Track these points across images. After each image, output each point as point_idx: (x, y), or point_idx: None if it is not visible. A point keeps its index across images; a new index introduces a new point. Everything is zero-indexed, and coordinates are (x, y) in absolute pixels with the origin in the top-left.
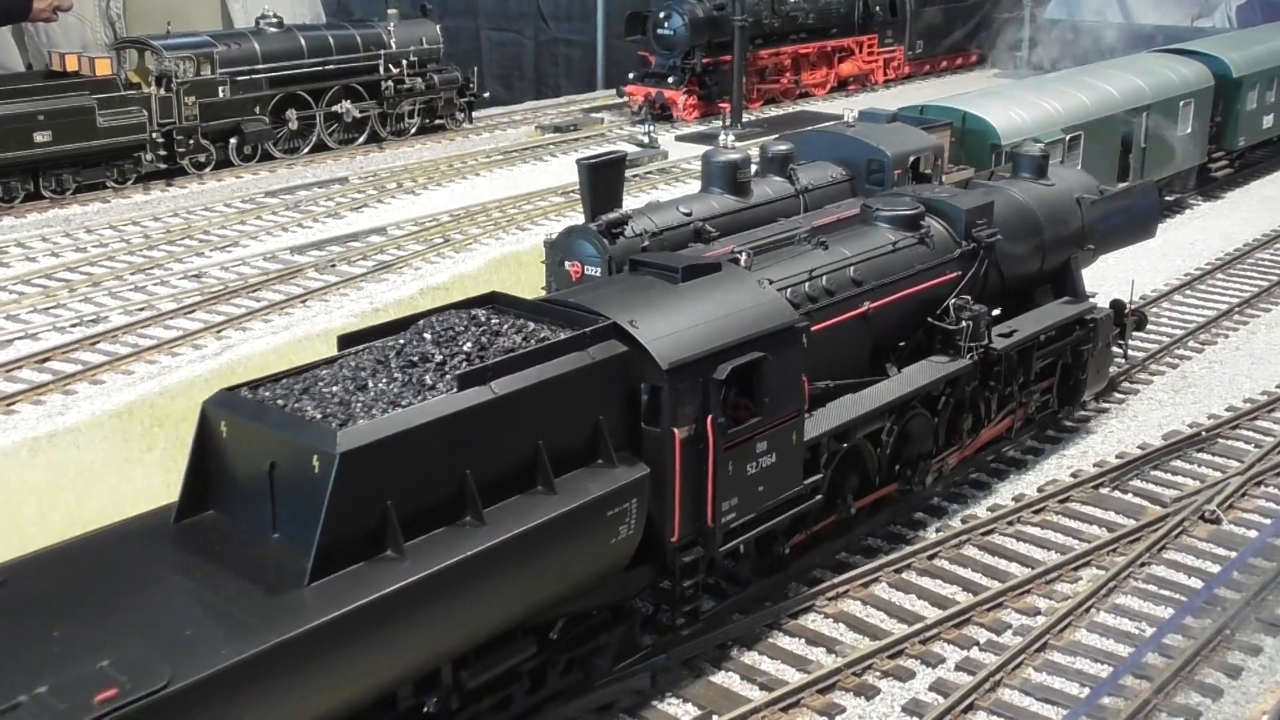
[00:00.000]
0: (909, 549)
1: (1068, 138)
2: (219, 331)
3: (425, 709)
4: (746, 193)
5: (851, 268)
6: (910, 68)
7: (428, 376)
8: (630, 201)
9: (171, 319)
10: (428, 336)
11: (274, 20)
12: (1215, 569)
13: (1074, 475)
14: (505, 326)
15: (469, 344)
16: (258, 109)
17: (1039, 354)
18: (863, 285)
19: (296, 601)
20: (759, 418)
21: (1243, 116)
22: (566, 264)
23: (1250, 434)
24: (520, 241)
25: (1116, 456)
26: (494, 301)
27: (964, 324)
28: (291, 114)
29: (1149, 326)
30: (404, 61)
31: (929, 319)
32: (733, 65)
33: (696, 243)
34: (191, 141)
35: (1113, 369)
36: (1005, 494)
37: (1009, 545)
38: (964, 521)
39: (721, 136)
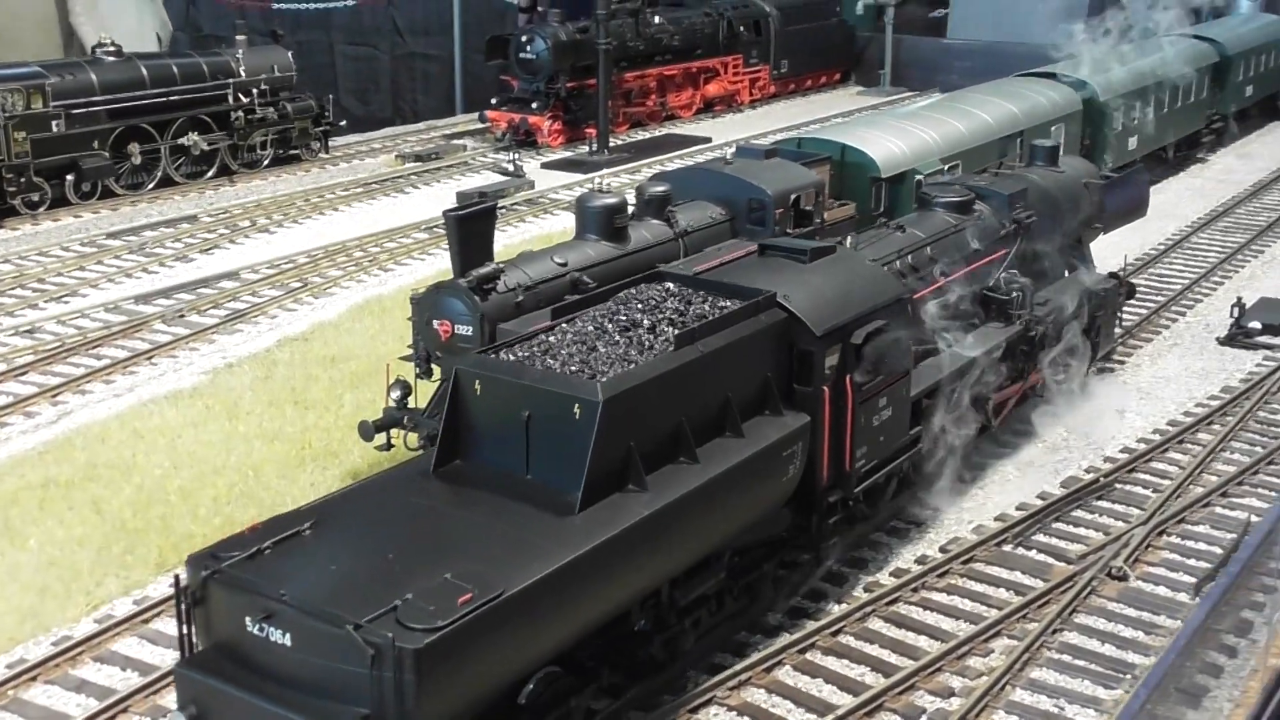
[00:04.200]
0: (811, 625)
1: (946, 167)
2: (54, 396)
3: (635, 627)
4: (624, 238)
5: (928, 247)
6: (775, 87)
7: (644, 338)
8: (497, 235)
9: (0, 383)
10: (636, 305)
11: (111, 49)
12: (1128, 632)
13: (976, 532)
14: (694, 297)
15: (670, 311)
16: (96, 143)
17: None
18: (938, 262)
19: (574, 527)
20: (882, 376)
21: (1110, 138)
22: (435, 323)
23: (1148, 478)
24: (383, 284)
25: (1017, 508)
26: (662, 278)
27: (1014, 294)
28: (134, 148)
29: None
30: (255, 90)
31: (984, 291)
32: (598, 89)
33: (573, 294)
34: (23, 180)
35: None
36: (907, 556)
37: (915, 616)
38: (867, 590)
39: (597, 179)
